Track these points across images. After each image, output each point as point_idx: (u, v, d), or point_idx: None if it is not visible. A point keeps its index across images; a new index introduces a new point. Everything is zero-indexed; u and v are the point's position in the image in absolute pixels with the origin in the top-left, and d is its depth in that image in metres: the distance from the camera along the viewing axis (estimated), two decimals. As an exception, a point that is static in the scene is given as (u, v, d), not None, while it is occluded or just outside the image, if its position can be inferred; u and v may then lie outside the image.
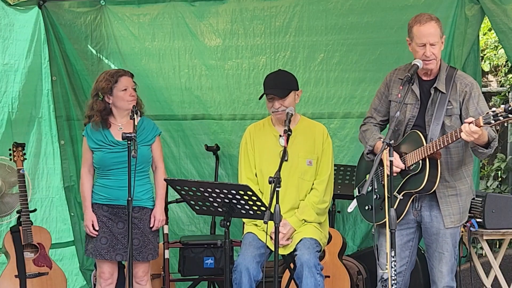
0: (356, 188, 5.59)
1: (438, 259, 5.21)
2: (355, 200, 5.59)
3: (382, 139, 4.86)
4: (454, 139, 4.85)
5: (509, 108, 4.54)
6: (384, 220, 5.01)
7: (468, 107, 5.06)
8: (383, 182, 5.16)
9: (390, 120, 5.41)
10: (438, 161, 5.02)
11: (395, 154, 5.04)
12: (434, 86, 5.14)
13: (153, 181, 6.14)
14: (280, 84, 5.73)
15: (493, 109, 4.64)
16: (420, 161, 5.03)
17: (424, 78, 5.19)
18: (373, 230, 5.33)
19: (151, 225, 5.97)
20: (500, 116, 4.59)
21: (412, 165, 5.09)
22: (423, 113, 5.15)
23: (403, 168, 5.12)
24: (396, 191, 5.12)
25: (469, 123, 4.71)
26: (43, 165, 7.40)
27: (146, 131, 6.03)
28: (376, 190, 5.29)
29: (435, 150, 4.95)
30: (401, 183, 5.13)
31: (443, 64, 5.21)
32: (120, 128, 5.92)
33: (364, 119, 5.56)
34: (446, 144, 4.90)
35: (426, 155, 4.99)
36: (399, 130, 5.24)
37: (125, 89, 5.96)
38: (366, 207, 5.40)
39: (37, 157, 7.30)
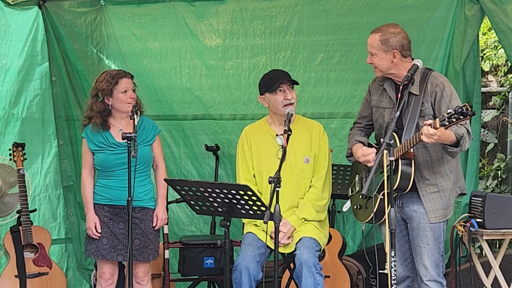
0: (350, 188, 5.76)
1: (419, 253, 5.29)
2: (349, 200, 5.73)
3: (382, 140, 4.92)
4: (418, 141, 4.98)
5: (459, 110, 4.64)
6: (368, 219, 5.33)
7: (440, 106, 5.17)
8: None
9: (374, 124, 5.56)
10: (412, 161, 5.16)
11: (371, 149, 5.34)
12: (407, 90, 5.23)
13: (154, 181, 6.14)
14: (287, 76, 5.83)
15: (449, 110, 4.74)
16: (394, 162, 5.09)
17: (399, 83, 5.30)
18: (363, 228, 5.60)
19: (153, 224, 5.98)
20: (453, 118, 4.69)
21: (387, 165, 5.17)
22: (401, 116, 5.24)
23: (370, 160, 5.31)
24: (376, 190, 5.23)
25: (428, 125, 4.84)
26: (33, 164, 7.35)
27: (147, 130, 6.03)
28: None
29: (404, 151, 5.10)
30: (380, 183, 5.21)
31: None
32: (120, 130, 5.90)
33: (353, 124, 5.73)
34: (411, 145, 5.05)
35: (398, 156, 5.12)
36: (381, 134, 5.40)
37: (125, 91, 5.95)
38: (355, 206, 5.59)
39: (27, 156, 7.19)
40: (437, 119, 4.79)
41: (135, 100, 5.96)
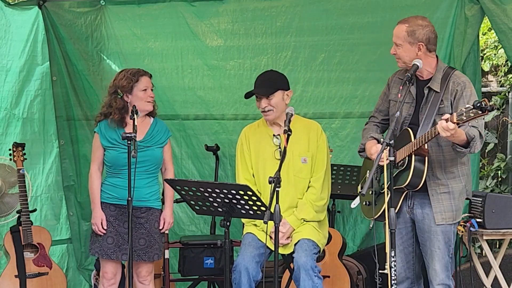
0: (360, 184, 5.70)
1: (431, 257, 5.25)
2: (358, 196, 5.66)
3: (382, 139, 4.91)
4: (434, 135, 4.93)
5: (478, 105, 4.60)
6: (377, 216, 5.24)
7: (458, 105, 5.12)
8: (378, 179, 5.34)
9: (390, 119, 5.49)
10: (426, 158, 5.10)
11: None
12: (427, 85, 5.22)
13: (161, 183, 6.13)
14: (266, 83, 5.80)
15: (467, 105, 4.71)
16: (407, 158, 5.11)
17: (421, 78, 5.28)
18: (370, 225, 5.50)
19: (160, 227, 5.98)
20: (471, 112, 4.65)
21: (400, 161, 5.16)
22: (418, 112, 5.23)
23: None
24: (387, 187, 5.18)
25: (445, 119, 4.79)
26: (34, 165, 7.36)
27: (160, 133, 6.04)
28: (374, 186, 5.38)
29: (418, 146, 5.03)
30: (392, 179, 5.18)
31: (440, 64, 5.30)
32: None
33: (368, 118, 5.66)
34: (427, 140, 4.98)
35: (411, 151, 5.08)
36: (397, 128, 5.32)
37: (145, 89, 5.96)
38: (364, 203, 5.51)
39: (28, 157, 7.19)
40: (455, 114, 4.73)
41: (153, 99, 6.00)
